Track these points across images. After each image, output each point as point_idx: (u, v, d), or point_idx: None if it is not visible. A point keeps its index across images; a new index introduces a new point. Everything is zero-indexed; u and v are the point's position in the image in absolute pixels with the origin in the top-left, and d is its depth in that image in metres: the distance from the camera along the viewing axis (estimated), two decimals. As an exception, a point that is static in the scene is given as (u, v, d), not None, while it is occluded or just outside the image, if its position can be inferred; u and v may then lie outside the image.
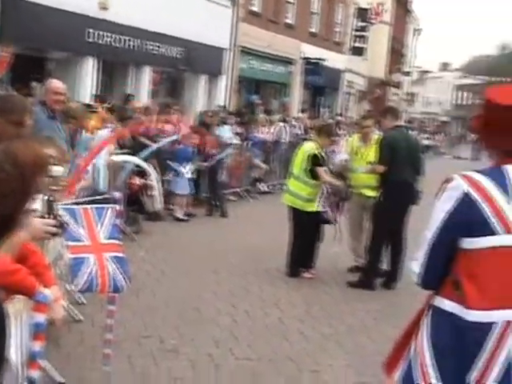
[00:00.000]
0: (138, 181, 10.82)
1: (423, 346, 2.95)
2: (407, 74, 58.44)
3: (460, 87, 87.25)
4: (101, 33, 18.18)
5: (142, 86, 20.63)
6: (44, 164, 2.37)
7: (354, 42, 38.84)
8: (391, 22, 46.60)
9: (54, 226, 3.53)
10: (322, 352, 6.27)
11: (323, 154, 8.89)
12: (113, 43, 18.78)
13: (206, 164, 13.29)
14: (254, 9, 27.09)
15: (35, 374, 3.42)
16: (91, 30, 17.82)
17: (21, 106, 5.63)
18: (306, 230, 8.77)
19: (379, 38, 43.59)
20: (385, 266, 8.87)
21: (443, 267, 2.93)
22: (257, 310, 7.41)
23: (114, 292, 5.05)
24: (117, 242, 5.09)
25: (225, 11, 24.22)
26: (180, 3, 20.35)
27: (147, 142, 11.77)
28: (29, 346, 3.46)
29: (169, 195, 12.13)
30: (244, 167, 16.03)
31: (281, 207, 9.43)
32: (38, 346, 3.39)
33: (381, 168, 8.41)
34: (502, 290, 2.79)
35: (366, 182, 8.87)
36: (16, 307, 3.41)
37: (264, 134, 17.41)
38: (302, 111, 26.24)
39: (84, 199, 6.61)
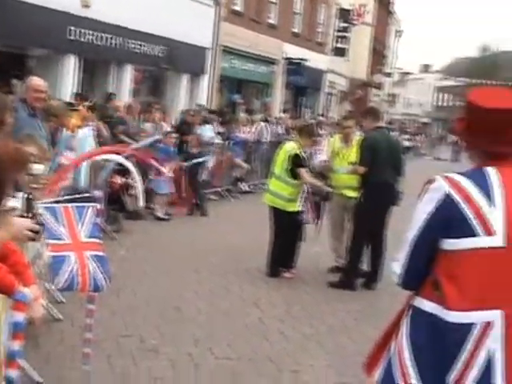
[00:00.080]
0: (119, 180, 10.79)
1: (403, 346, 2.96)
2: (388, 75, 58.70)
3: (441, 89, 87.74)
4: (82, 30, 18.08)
5: (124, 85, 20.54)
6: (24, 162, 2.36)
7: (336, 42, 38.96)
8: (373, 23, 46.79)
9: (33, 231, 3.49)
10: (302, 352, 6.27)
11: (304, 154, 8.91)
12: (94, 41, 18.68)
13: (185, 164, 13.26)
14: (237, 8, 27.07)
15: (14, 373, 3.39)
16: (73, 28, 17.71)
17: (1, 104, 5.60)
18: (287, 230, 8.78)
19: (361, 39, 43.77)
20: (365, 266, 8.89)
21: (424, 268, 2.94)
22: (237, 309, 7.40)
23: (94, 291, 5.03)
24: (97, 240, 5.07)
25: (207, 10, 24.18)
26: (162, 2, 20.28)
27: (128, 140, 11.75)
28: (8, 345, 3.44)
29: (149, 194, 12.10)
30: (225, 167, 16.02)
31: (262, 207, 9.43)
32: (17, 345, 3.36)
33: (362, 169, 8.43)
34: (482, 291, 2.81)
35: (347, 183, 8.89)
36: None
37: (245, 133, 17.42)
38: (284, 111, 26.30)
39: (65, 198, 6.58)
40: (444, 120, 75.15)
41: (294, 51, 31.71)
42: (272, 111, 26.23)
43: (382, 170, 8.38)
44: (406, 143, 35.70)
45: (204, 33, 23.92)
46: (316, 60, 34.02)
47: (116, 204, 10.95)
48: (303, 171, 8.65)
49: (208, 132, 15.37)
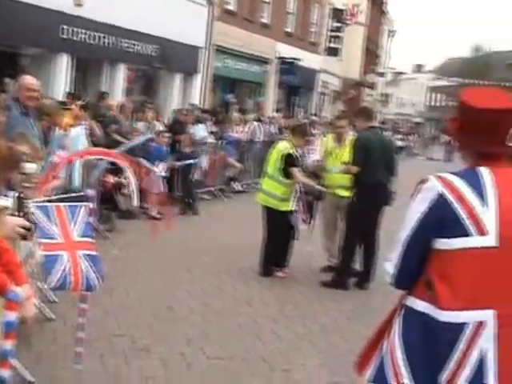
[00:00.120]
0: (111, 179, 10.78)
1: (395, 345, 2.97)
2: (381, 74, 58.77)
3: (433, 89, 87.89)
4: (75, 29, 18.03)
5: (117, 84, 20.51)
6: (16, 160, 2.36)
7: (329, 42, 38.98)
8: (366, 23, 46.85)
9: (25, 229, 3.49)
10: (294, 351, 6.28)
11: (297, 154, 8.91)
12: (87, 40, 18.64)
13: (178, 164, 13.25)
14: (230, 8, 27.06)
15: (6, 373, 3.39)
16: (65, 27, 17.67)
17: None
18: (280, 230, 8.78)
19: (354, 39, 43.82)
20: (358, 266, 8.90)
21: (417, 268, 2.95)
22: (230, 309, 7.40)
23: (87, 290, 5.02)
24: (90, 240, 5.06)
25: (200, 10, 24.16)
26: (156, 1, 20.26)
27: (121, 139, 11.73)
28: (0, 345, 3.43)
29: (143, 194, 12.08)
30: (218, 166, 16.02)
31: (255, 206, 9.43)
32: (9, 344, 3.35)
33: (355, 168, 8.44)
34: (474, 291, 2.82)
35: (340, 182, 8.90)
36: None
37: (238, 133, 17.43)
38: (277, 111, 26.29)
39: (57, 197, 6.56)
40: (437, 120, 75.28)
41: (287, 51, 31.72)
42: (265, 111, 26.23)
43: (374, 169, 8.39)
44: (399, 143, 35.76)
45: (197, 32, 23.90)
46: (309, 60, 34.04)
47: (109, 203, 10.94)
48: (296, 170, 8.66)
49: (201, 131, 15.38)
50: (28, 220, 3.55)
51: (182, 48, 22.85)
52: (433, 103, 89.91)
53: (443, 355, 2.83)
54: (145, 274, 8.46)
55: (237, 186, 16.90)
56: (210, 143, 15.50)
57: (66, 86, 17.74)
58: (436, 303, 2.84)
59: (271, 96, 32.46)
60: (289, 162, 8.66)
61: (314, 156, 11.42)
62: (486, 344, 2.80)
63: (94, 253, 5.00)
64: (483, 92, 3.05)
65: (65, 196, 6.31)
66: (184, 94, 24.74)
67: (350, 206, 8.64)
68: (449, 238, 2.83)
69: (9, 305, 3.30)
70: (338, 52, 39.69)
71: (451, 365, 2.82)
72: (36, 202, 5.12)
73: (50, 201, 5.60)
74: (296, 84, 34.59)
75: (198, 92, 25.39)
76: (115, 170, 10.69)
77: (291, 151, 8.73)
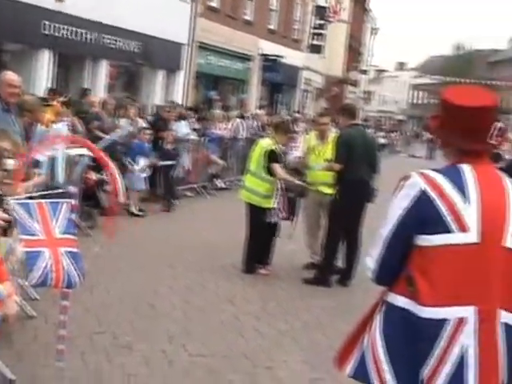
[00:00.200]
0: (94, 176, 10.72)
1: (376, 340, 2.98)
2: (364, 72, 58.90)
3: (416, 86, 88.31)
4: (57, 25, 17.95)
5: (99, 80, 20.44)
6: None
7: (312, 39, 39.03)
8: (349, 20, 46.96)
9: (5, 221, 3.47)
10: (277, 348, 6.28)
11: (280, 151, 8.91)
12: (69, 36, 18.56)
13: (161, 163, 13.20)
14: (213, 4, 27.02)
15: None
16: (47, 23, 17.59)
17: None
18: (263, 227, 8.78)
19: (337, 37, 43.90)
20: (340, 263, 8.92)
21: (398, 264, 2.96)
22: (212, 306, 7.39)
23: (68, 288, 4.99)
24: (72, 236, 5.04)
25: (183, 6, 24.12)
26: (138, -3, 20.22)
27: (103, 135, 11.67)
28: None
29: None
30: (201, 163, 15.99)
31: (238, 203, 9.43)
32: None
33: (337, 166, 8.45)
34: (455, 287, 2.83)
35: (323, 180, 8.91)
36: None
37: (221, 130, 17.38)
38: (260, 108, 26.28)
39: (39, 193, 6.53)
40: (419, 117, 75.66)
41: (270, 48, 31.73)
42: (248, 108, 26.23)
43: (357, 167, 8.40)
44: (382, 140, 35.85)
45: (180, 29, 23.86)
46: (292, 57, 34.07)
47: (91, 200, 10.88)
48: (277, 166, 8.64)
49: (183, 128, 15.34)
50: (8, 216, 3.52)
51: (165, 44, 22.80)
52: (415, 101, 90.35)
53: (424, 351, 2.85)
54: (126, 270, 8.44)
55: (219, 183, 16.87)
56: (192, 140, 15.46)
57: (47, 82, 17.66)
58: (417, 299, 2.85)
59: (254, 93, 32.47)
60: (272, 158, 8.65)
61: (296, 153, 11.42)
62: (467, 340, 2.82)
63: (75, 250, 4.98)
64: (465, 90, 3.07)
65: (46, 193, 6.29)
66: (166, 90, 24.69)
67: (333, 203, 8.66)
68: (430, 234, 2.85)
69: (-11, 302, 3.28)
70: (320, 49, 39.75)
71: (432, 361, 2.83)
72: (17, 198, 5.10)
73: (31, 197, 5.57)
74: (279, 81, 34.63)
75: (181, 89, 25.34)
76: (97, 166, 10.64)
77: (274, 148, 8.73)
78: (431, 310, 2.82)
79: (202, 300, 7.56)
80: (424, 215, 2.85)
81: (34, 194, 6.16)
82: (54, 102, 11.54)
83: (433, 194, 2.84)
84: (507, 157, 12.35)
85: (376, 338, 2.98)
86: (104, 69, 20.75)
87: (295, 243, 9.44)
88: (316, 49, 39.24)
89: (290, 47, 34.74)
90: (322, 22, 39.27)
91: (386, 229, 2.97)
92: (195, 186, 15.69)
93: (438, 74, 68.31)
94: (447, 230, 2.82)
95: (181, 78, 25.30)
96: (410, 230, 2.90)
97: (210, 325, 6.74)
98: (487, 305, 2.83)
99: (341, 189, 8.50)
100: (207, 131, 16.61)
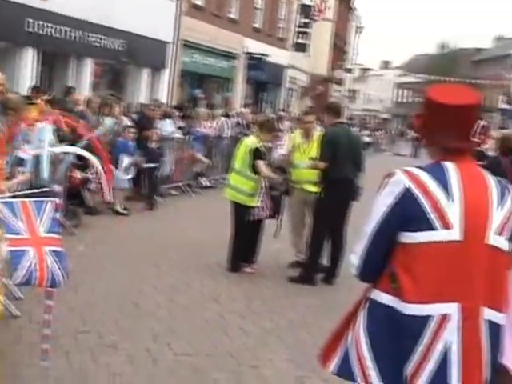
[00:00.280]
0: (78, 174, 10.68)
1: (360, 337, 2.99)
2: (349, 71, 59.05)
3: (400, 85, 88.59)
4: (41, 23, 17.86)
5: (84, 78, 20.36)
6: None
7: (297, 38, 39.07)
8: (334, 18, 47.02)
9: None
10: (262, 347, 6.28)
11: (265, 149, 8.92)
12: (53, 34, 18.47)
13: (145, 165, 13.17)
14: (198, 3, 26.98)
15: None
16: (31, 20, 17.50)
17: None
18: (248, 225, 8.78)
19: (322, 35, 43.95)
20: (325, 261, 8.93)
21: (381, 260, 2.97)
22: (197, 304, 7.38)
23: (52, 287, 4.97)
24: (56, 235, 5.01)
25: (168, 4, 24.07)
26: (123, -5, 20.15)
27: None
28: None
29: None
30: (186, 162, 15.96)
31: (223, 202, 9.42)
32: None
33: (322, 164, 8.46)
34: (439, 284, 2.85)
35: (308, 178, 8.92)
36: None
37: (206, 128, 17.37)
38: (245, 106, 26.27)
39: (23, 192, 6.49)
40: (404, 116, 75.95)
41: (255, 46, 31.74)
42: (233, 106, 26.21)
43: (342, 165, 8.42)
44: (367, 139, 35.97)
45: (165, 27, 23.81)
46: (277, 55, 34.09)
47: (75, 199, 10.84)
48: (261, 163, 8.64)
49: (168, 127, 15.31)
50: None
51: (150, 43, 22.75)
52: (400, 99, 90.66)
53: (408, 348, 2.86)
54: (111, 269, 8.41)
55: (204, 181, 16.86)
56: (177, 138, 15.43)
57: (31, 80, 17.57)
58: (400, 296, 2.86)
59: (239, 91, 32.46)
60: (256, 155, 8.66)
61: (280, 151, 11.43)
62: (450, 337, 2.83)
63: (59, 249, 4.96)
64: (448, 89, 3.09)
65: (31, 192, 6.25)
66: (151, 89, 24.64)
67: (318, 202, 8.67)
68: (414, 231, 2.86)
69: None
70: (305, 48, 39.80)
71: (416, 357, 2.85)
72: (1, 197, 5.07)
73: (15, 196, 5.54)
74: (264, 79, 34.64)
75: (166, 87, 25.30)
76: (82, 165, 10.61)
77: (259, 146, 8.74)
78: (415, 306, 2.84)
79: (187, 299, 7.55)
80: (408, 212, 2.87)
81: (18, 193, 6.12)
82: (38, 101, 11.48)
83: (417, 192, 2.86)
84: (490, 154, 12.40)
85: (360, 335, 2.99)
86: (89, 67, 20.67)
87: (281, 242, 9.44)
88: (301, 47, 39.29)
89: (275, 46, 34.76)
90: (306, 20, 39.32)
91: (370, 226, 2.98)
92: (180, 184, 15.67)
93: (423, 72, 68.63)
94: (431, 228, 2.84)
95: (166, 76, 25.26)
96: (393, 227, 2.91)
97: (195, 323, 6.73)
98: (470, 302, 2.85)
99: (325, 187, 8.52)
100: (192, 129, 16.59)
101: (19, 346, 5.66)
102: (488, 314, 2.88)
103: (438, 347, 2.83)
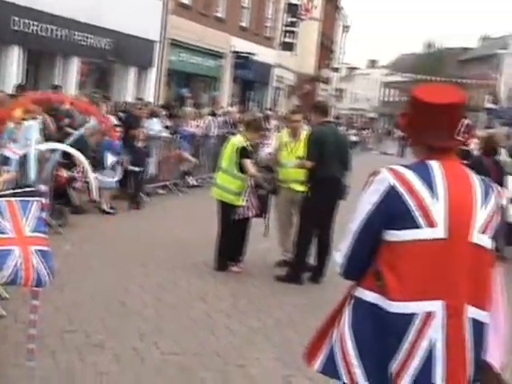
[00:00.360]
0: (64, 173, 10.65)
1: (345, 335, 2.99)
2: (336, 70, 59.18)
3: (387, 84, 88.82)
4: (27, 21, 17.79)
5: (70, 77, 20.30)
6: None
7: (284, 37, 39.11)
8: (321, 18, 47.08)
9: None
10: (249, 346, 6.29)
11: (251, 148, 8.92)
12: (39, 32, 18.40)
13: (136, 169, 13.14)
14: (184, 1, 26.95)
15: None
16: (17, 19, 17.42)
17: None
18: (235, 224, 8.77)
19: (309, 34, 44.01)
20: (312, 260, 8.94)
21: (366, 258, 2.98)
22: (184, 303, 7.38)
23: (37, 286, 4.95)
24: (42, 235, 4.99)
25: (155, 3, 24.03)
26: (109, -6, 20.10)
27: (73, 132, 11.58)
28: None
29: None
30: (173, 161, 15.94)
31: (209, 201, 9.42)
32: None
33: (309, 163, 8.46)
34: (423, 282, 2.86)
35: (295, 177, 8.92)
36: None
37: (193, 127, 17.36)
38: (232, 105, 26.27)
39: (8, 191, 6.46)
40: (390, 115, 76.09)
41: (242, 45, 31.73)
42: (220, 105, 26.21)
43: (329, 164, 8.43)
44: (353, 138, 36.07)
45: (151, 26, 23.78)
46: (264, 54, 34.11)
47: (62, 198, 10.80)
48: (248, 162, 8.64)
49: (155, 126, 15.28)
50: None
51: (137, 41, 22.71)
52: (387, 98, 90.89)
53: (393, 345, 2.87)
54: (97, 269, 8.39)
55: (191, 180, 16.85)
56: (164, 137, 15.42)
57: (17, 78, 17.49)
58: (385, 294, 2.87)
59: (226, 90, 32.45)
60: (243, 154, 8.66)
61: (267, 149, 11.44)
62: (435, 334, 2.84)
63: (45, 248, 4.94)
64: (433, 88, 3.11)
65: (16, 191, 6.22)
66: (138, 87, 24.60)
67: (305, 201, 8.67)
68: (399, 229, 2.87)
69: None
70: (292, 47, 39.84)
71: (401, 355, 2.86)
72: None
73: (1, 195, 5.51)
74: (251, 78, 34.65)
75: (153, 86, 25.27)
76: (68, 164, 10.57)
77: (245, 145, 8.74)
78: (399, 304, 2.85)
79: (174, 298, 7.55)
80: (393, 210, 2.88)
81: (3, 193, 6.09)
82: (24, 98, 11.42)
83: (401, 190, 2.87)
84: (475, 153, 12.47)
85: (345, 333, 3.00)
86: (75, 66, 20.61)
87: (269, 241, 9.45)
88: (288, 46, 39.33)
89: (262, 45, 34.77)
90: (293, 19, 39.38)
91: (355, 223, 2.99)
92: (167, 183, 15.66)
93: (409, 71, 68.85)
94: (415, 226, 2.85)
95: (152, 75, 25.22)
96: (378, 225, 2.92)
97: (182, 322, 6.73)
98: (455, 300, 2.86)
99: (312, 186, 8.52)
100: (179, 129, 16.57)
101: (5, 345, 5.64)
102: (472, 311, 2.90)
103: (423, 345, 2.84)
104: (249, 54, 31.97)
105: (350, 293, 3.09)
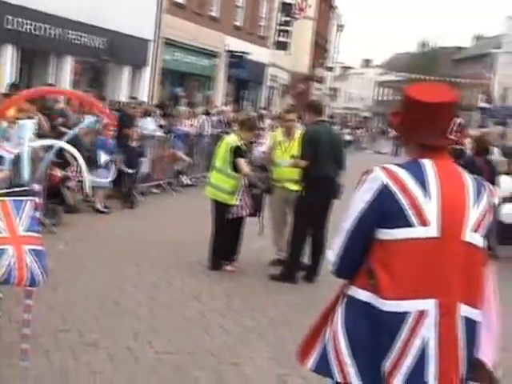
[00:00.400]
0: (58, 172, 10.63)
1: (338, 333, 3.00)
2: (330, 69, 59.20)
3: (381, 83, 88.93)
4: (20, 20, 17.75)
5: (64, 76, 20.27)
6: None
7: (278, 36, 39.12)
8: (315, 17, 47.10)
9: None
10: (243, 345, 6.29)
11: (245, 147, 8.92)
12: (33, 31, 18.37)
13: (129, 171, 13.12)
14: (179, 0, 26.93)
15: None
16: (10, 17, 17.38)
17: None
18: (229, 223, 8.77)
19: (303, 33, 44.02)
20: (306, 259, 8.94)
21: (359, 257, 2.99)
22: (178, 302, 7.37)
23: (31, 286, 4.95)
24: (35, 234, 4.99)
25: (149, 2, 24.00)
26: (103, -8, 20.07)
27: (67, 131, 11.57)
28: None
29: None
30: (167, 160, 15.93)
31: (203, 200, 9.41)
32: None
33: (303, 162, 8.47)
34: (416, 280, 2.87)
35: (289, 176, 8.93)
36: None
37: (187, 126, 17.35)
38: (226, 104, 26.26)
39: (2, 191, 6.45)
40: (384, 114, 76.09)
41: (236, 44, 31.72)
42: (214, 104, 26.20)
43: (323, 163, 8.44)
44: (347, 137, 36.12)
45: (146, 25, 23.75)
46: (258, 53, 34.11)
47: (55, 197, 10.78)
48: (242, 161, 8.64)
49: (149, 125, 15.27)
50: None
51: (131, 41, 22.68)
52: (381, 98, 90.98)
53: (386, 344, 2.88)
54: (91, 268, 8.38)
55: (185, 179, 16.84)
56: (158, 137, 15.41)
57: (11, 77, 17.45)
58: (378, 293, 2.88)
59: (220, 89, 32.44)
60: (237, 153, 8.66)
61: (261, 148, 11.44)
62: (428, 333, 2.85)
63: (39, 248, 4.94)
64: (426, 87, 3.12)
65: (10, 190, 6.21)
66: (132, 86, 24.56)
67: (299, 200, 8.68)
68: (392, 228, 2.88)
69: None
70: (286, 46, 39.84)
71: (394, 353, 2.86)
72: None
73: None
74: (245, 78, 34.65)
75: (147, 85, 25.24)
76: (62, 163, 10.56)
77: (239, 144, 8.74)
78: (392, 303, 2.85)
79: (168, 297, 7.54)
80: (385, 209, 2.89)
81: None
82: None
83: (394, 188, 2.88)
84: (468, 152, 12.50)
85: (338, 332, 3.00)
86: (69, 65, 20.58)
87: (263, 240, 9.45)
88: (282, 45, 39.34)
89: (256, 44, 34.78)
90: (287, 18, 39.38)
91: (348, 222, 3.00)
92: (161, 182, 15.64)
93: (403, 71, 68.93)
94: (408, 224, 2.86)
95: (147, 74, 25.19)
96: (371, 224, 2.93)
97: (176, 322, 6.73)
98: (447, 298, 2.87)
99: (307, 185, 8.53)
100: (173, 128, 16.56)
101: (-2, 345, 5.63)
102: (464, 310, 2.91)
103: (416, 343, 2.85)
104: (243, 53, 31.97)
105: (342, 291, 3.09)
